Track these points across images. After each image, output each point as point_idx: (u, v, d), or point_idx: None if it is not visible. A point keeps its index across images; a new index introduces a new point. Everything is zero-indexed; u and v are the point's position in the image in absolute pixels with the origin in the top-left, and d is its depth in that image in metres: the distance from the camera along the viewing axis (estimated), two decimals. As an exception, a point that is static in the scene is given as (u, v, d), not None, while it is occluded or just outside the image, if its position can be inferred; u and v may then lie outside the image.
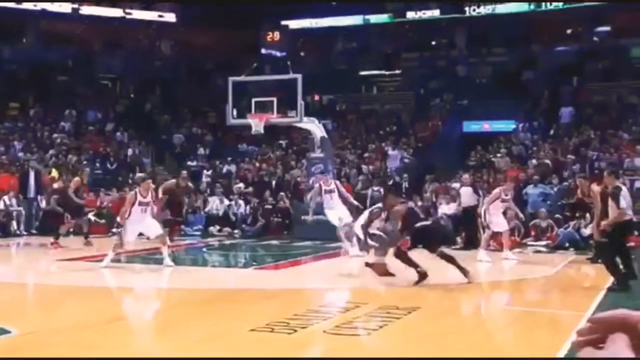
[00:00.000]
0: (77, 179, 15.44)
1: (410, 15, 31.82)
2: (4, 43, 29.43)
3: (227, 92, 16.06)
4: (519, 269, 11.87)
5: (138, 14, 31.64)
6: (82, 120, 25.92)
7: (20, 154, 20.67)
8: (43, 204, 18.28)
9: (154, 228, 11.01)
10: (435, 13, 31.40)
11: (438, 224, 10.51)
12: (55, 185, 17.13)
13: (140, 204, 10.76)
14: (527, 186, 17.26)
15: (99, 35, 32.65)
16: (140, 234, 11.34)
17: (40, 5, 29.44)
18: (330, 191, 12.68)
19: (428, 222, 9.79)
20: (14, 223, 17.33)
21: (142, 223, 10.85)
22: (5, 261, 14.05)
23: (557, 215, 15.65)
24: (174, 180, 14.30)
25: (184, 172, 15.95)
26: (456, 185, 16.93)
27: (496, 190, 12.78)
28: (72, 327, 6.72)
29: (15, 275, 11.76)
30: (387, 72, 32.17)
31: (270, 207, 17.90)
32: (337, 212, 12.57)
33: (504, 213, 12.69)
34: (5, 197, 17.28)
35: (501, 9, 29.71)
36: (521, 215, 13.87)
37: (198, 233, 17.26)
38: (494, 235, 12.78)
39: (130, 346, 6.51)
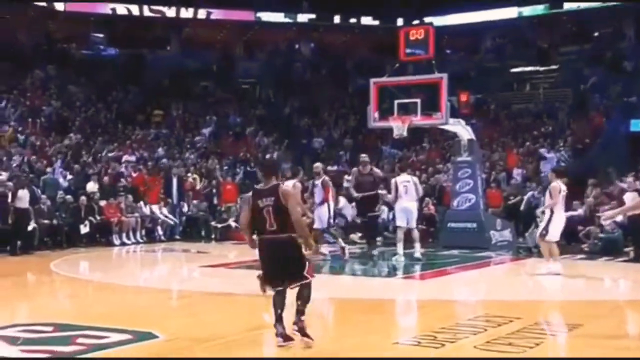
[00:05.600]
0: None
1: (568, 5, 30.59)
2: (149, 52, 31.46)
3: (369, 93, 16.12)
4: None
5: (273, 17, 32.69)
6: (222, 125, 27.10)
7: (164, 160, 21.92)
8: (185, 209, 19.28)
9: None
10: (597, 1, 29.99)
11: None
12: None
13: None
14: None
15: (239, 39, 34.08)
16: None
17: (182, 14, 31.27)
18: None
19: None
20: (159, 228, 18.38)
21: None
22: (151, 266, 14.96)
23: None
24: None
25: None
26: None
27: None
28: (213, 334, 6.99)
29: (161, 280, 12.49)
30: (541, 68, 31.08)
31: (414, 213, 17.78)
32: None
33: None
34: (155, 207, 18.35)
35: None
36: None
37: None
38: None
39: (269, 357, 6.69)
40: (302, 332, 6.45)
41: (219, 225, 18.55)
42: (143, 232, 17.90)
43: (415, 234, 13.62)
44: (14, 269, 13.19)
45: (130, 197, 18.19)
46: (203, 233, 18.81)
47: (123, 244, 17.17)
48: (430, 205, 18.03)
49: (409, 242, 13.48)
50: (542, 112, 26.40)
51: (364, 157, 14.59)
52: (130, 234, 17.50)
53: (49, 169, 18.59)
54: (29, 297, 10.30)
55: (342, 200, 17.41)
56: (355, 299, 9.62)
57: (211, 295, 9.89)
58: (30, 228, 15.41)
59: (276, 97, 31.02)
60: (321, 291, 10.40)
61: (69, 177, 18.64)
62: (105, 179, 18.88)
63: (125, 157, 21.37)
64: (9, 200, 15.22)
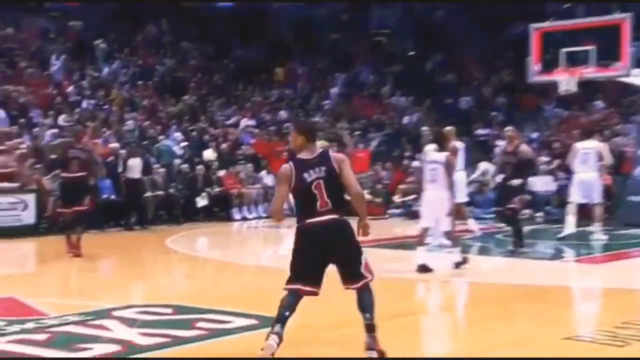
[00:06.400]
0: None
1: None
2: (270, 1, 31.77)
3: (527, 42, 15.91)
4: None
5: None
6: (353, 84, 27.16)
7: (288, 124, 22.23)
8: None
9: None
10: None
11: None
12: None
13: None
14: None
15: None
16: None
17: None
18: None
19: None
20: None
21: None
22: (275, 244, 15.26)
23: None
24: None
25: None
26: None
27: None
28: (345, 322, 6.96)
29: (285, 260, 12.65)
30: None
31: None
32: None
33: None
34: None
35: None
36: None
37: (490, 216, 17.17)
38: None
39: (417, 348, 6.65)
40: (382, 355, 5.64)
41: (348, 198, 18.59)
42: (266, 205, 18.27)
43: (597, 211, 13.34)
44: (129, 246, 13.97)
45: (250, 166, 18.63)
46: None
47: (244, 218, 17.67)
48: (606, 174, 17.34)
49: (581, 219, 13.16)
50: None
51: (508, 130, 12.66)
52: (252, 207, 17.93)
53: (161, 136, 19.26)
54: (145, 276, 10.82)
55: (483, 165, 17.09)
56: (514, 285, 9.51)
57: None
58: (145, 195, 16.10)
59: (416, 50, 30.72)
60: (473, 275, 10.34)
61: (184, 143, 19.27)
62: (224, 146, 19.40)
63: (244, 121, 21.86)
64: (120, 170, 15.99)
